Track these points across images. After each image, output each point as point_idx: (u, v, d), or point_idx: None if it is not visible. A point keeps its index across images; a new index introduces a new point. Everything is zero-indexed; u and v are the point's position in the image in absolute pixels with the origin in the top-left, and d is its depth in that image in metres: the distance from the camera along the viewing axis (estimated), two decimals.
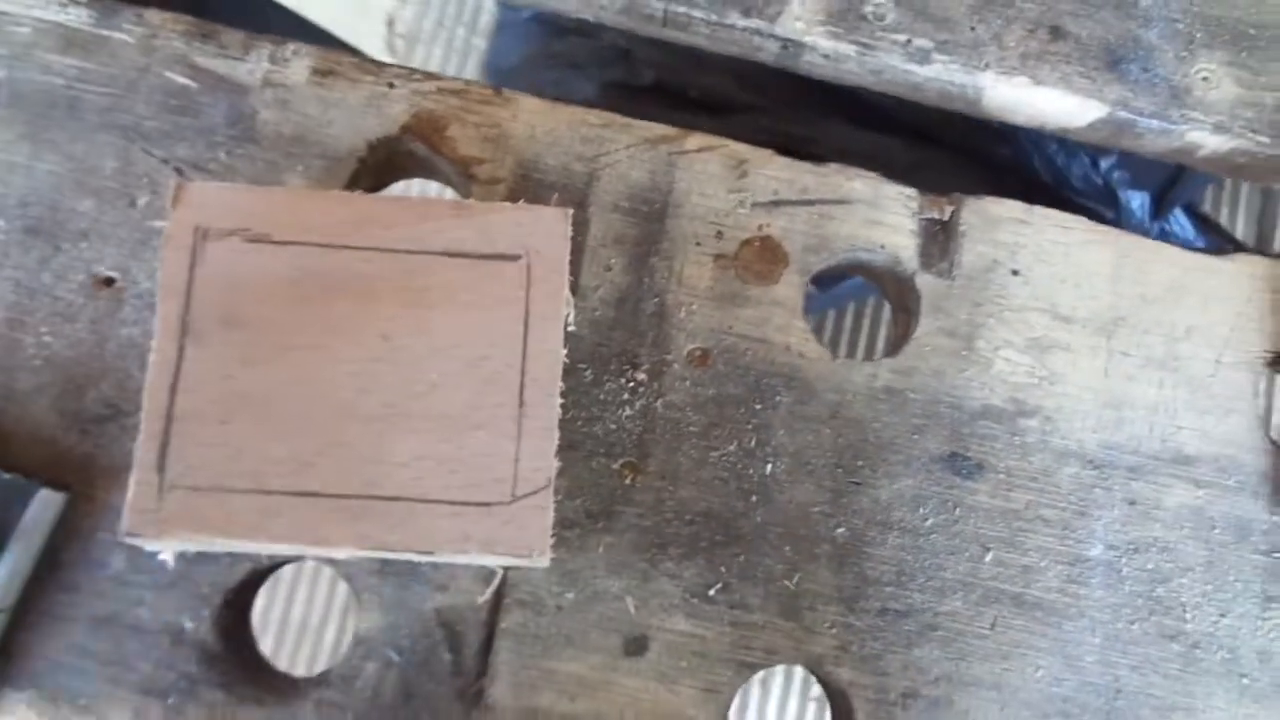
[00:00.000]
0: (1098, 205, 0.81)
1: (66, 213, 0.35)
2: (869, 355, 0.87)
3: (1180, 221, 0.91)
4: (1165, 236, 0.88)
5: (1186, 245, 0.87)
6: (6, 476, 0.31)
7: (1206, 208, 1.13)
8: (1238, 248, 0.92)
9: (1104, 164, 0.82)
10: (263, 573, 0.34)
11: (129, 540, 0.28)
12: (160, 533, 0.28)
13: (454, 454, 0.29)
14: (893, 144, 0.79)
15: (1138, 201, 0.87)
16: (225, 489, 0.28)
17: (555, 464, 0.29)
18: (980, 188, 0.73)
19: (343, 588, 0.86)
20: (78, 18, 0.36)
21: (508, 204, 0.31)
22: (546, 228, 0.31)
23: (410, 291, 0.30)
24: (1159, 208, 0.89)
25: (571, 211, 0.31)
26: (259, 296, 0.29)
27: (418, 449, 0.29)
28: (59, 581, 0.32)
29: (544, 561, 0.29)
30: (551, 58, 0.86)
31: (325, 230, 0.30)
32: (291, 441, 0.29)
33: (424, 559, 0.29)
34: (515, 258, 0.30)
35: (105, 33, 0.36)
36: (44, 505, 0.32)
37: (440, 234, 0.30)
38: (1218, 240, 0.90)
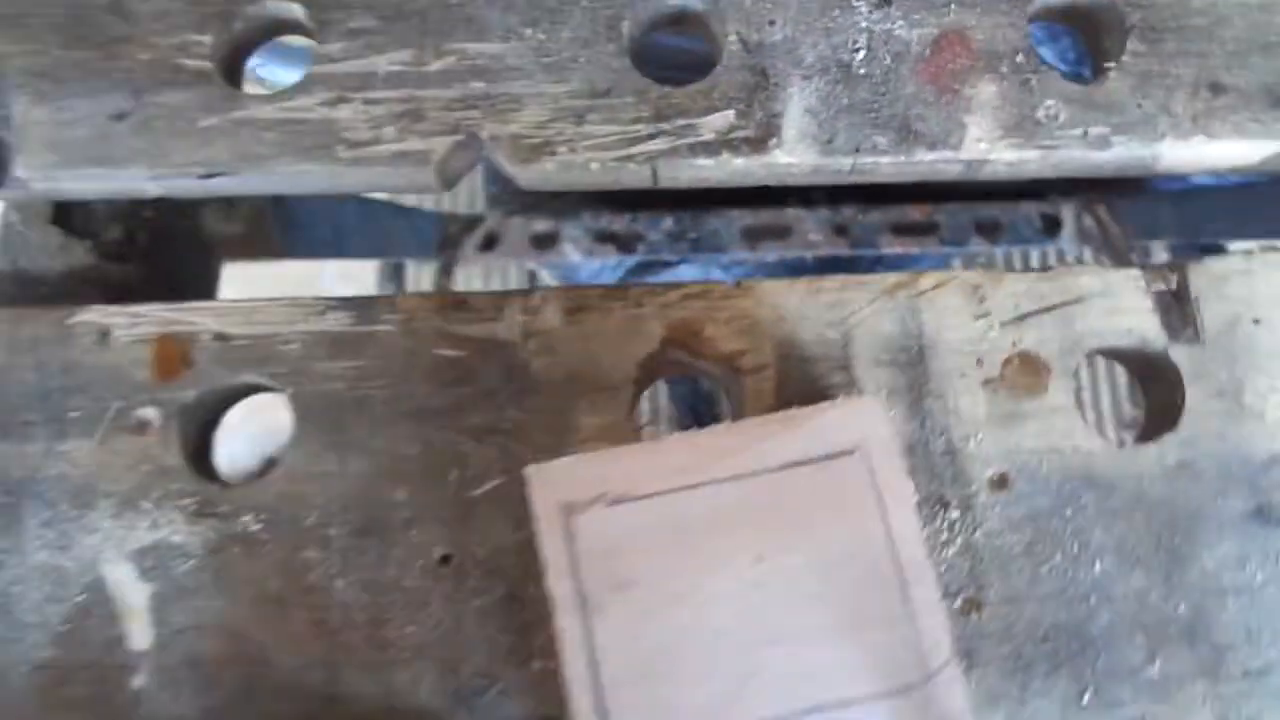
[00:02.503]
0: None
1: (387, 505, 0.37)
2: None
3: None
4: None
5: None
6: None
7: None
8: None
9: None
10: None
11: None
12: None
13: (859, 652, 0.31)
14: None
15: None
16: None
17: (953, 635, 0.31)
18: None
19: None
20: (338, 321, 0.39)
21: (826, 404, 0.33)
22: (868, 416, 0.33)
23: (767, 511, 0.32)
24: None
25: (883, 396, 0.33)
26: (638, 552, 0.31)
27: (826, 657, 0.31)
28: None
29: None
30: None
31: (674, 475, 0.32)
32: (713, 681, 0.30)
33: None
34: (850, 452, 0.32)
35: (367, 329, 0.39)
36: None
37: (775, 450, 0.32)
38: None
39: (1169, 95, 0.41)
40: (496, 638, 0.36)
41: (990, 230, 0.73)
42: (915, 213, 0.72)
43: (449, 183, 0.42)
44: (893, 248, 0.71)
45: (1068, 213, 0.74)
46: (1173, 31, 0.41)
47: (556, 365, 0.38)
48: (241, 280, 0.64)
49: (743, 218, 0.73)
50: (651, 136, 0.40)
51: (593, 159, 0.40)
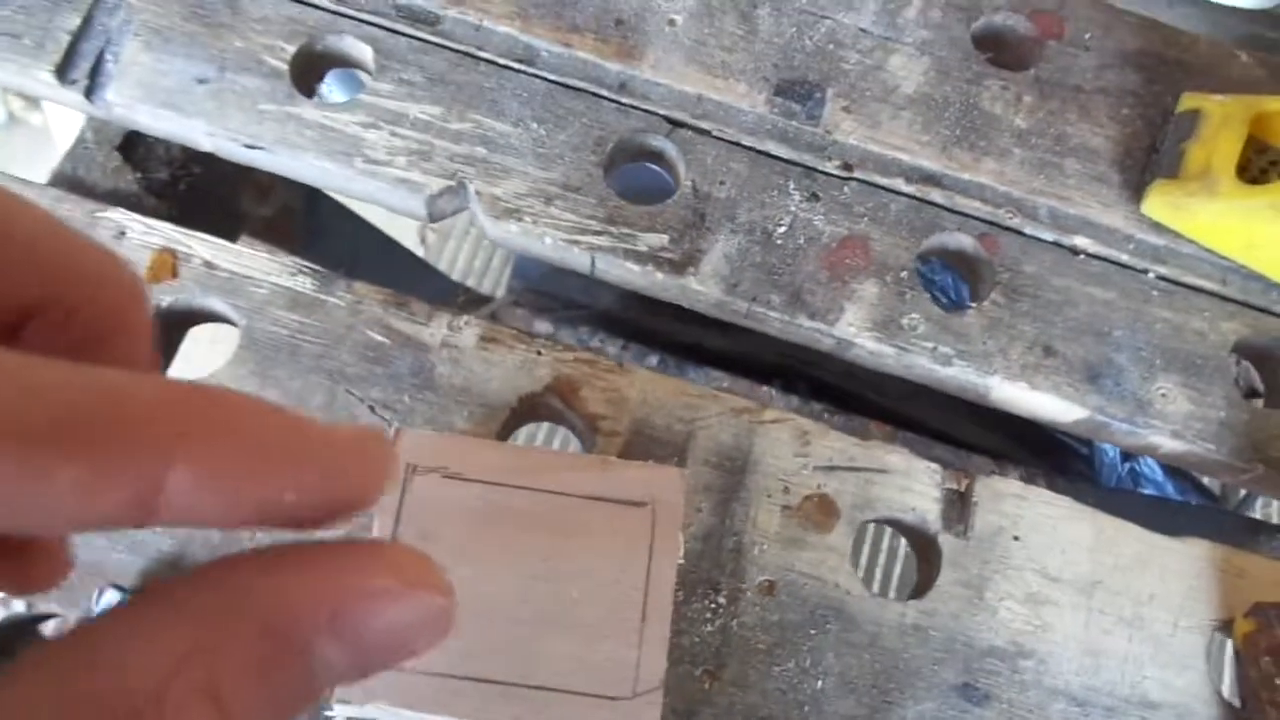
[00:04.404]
0: (1074, 443, 0.91)
1: None
2: (886, 582, 0.97)
3: (1149, 464, 1.00)
4: (1135, 477, 0.98)
5: (1156, 486, 0.96)
6: None
7: None
8: (1200, 490, 1.01)
9: None
10: None
11: (337, 704, 0.36)
12: (364, 701, 0.36)
13: (589, 656, 0.37)
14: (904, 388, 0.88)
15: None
16: (416, 670, 0.36)
17: (665, 670, 0.38)
18: (970, 423, 0.83)
19: None
20: (303, 284, 0.47)
21: (639, 462, 0.41)
22: (668, 483, 0.40)
23: (562, 525, 0.39)
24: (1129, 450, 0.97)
25: (688, 472, 0.41)
26: (450, 520, 0.39)
27: (562, 649, 0.37)
28: None
29: None
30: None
31: (503, 473, 0.40)
32: (468, 636, 0.37)
33: None
34: (643, 505, 0.40)
35: (323, 297, 0.47)
36: None
37: (587, 482, 0.40)
38: (1182, 482, 0.99)
39: (1009, 343, 0.50)
40: None
41: None
42: None
43: (433, 216, 0.51)
44: None
45: None
46: (1029, 297, 0.51)
47: (456, 375, 0.46)
48: None
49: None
50: (598, 233, 0.49)
51: (548, 234, 0.49)
